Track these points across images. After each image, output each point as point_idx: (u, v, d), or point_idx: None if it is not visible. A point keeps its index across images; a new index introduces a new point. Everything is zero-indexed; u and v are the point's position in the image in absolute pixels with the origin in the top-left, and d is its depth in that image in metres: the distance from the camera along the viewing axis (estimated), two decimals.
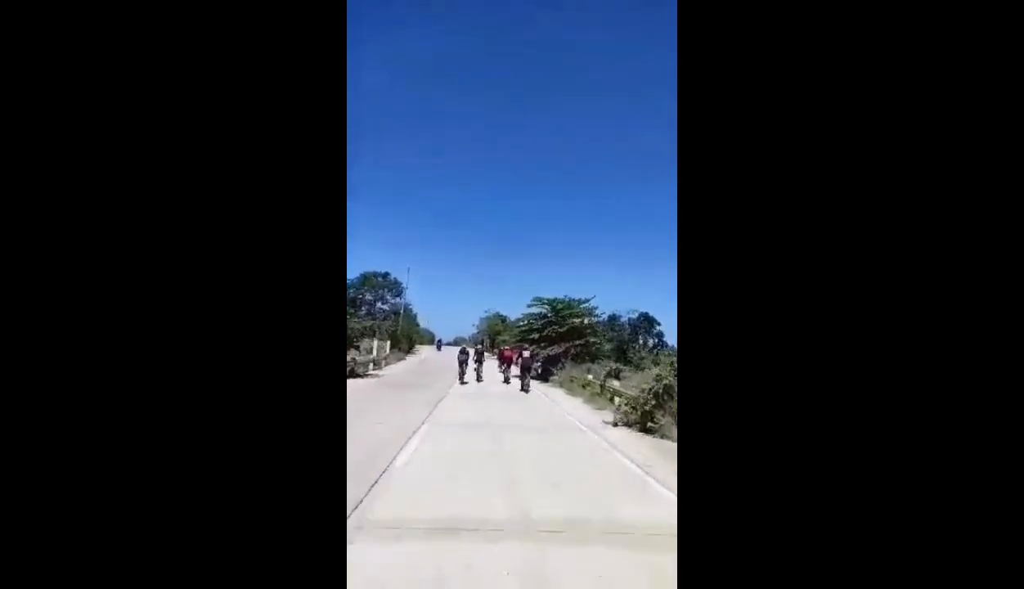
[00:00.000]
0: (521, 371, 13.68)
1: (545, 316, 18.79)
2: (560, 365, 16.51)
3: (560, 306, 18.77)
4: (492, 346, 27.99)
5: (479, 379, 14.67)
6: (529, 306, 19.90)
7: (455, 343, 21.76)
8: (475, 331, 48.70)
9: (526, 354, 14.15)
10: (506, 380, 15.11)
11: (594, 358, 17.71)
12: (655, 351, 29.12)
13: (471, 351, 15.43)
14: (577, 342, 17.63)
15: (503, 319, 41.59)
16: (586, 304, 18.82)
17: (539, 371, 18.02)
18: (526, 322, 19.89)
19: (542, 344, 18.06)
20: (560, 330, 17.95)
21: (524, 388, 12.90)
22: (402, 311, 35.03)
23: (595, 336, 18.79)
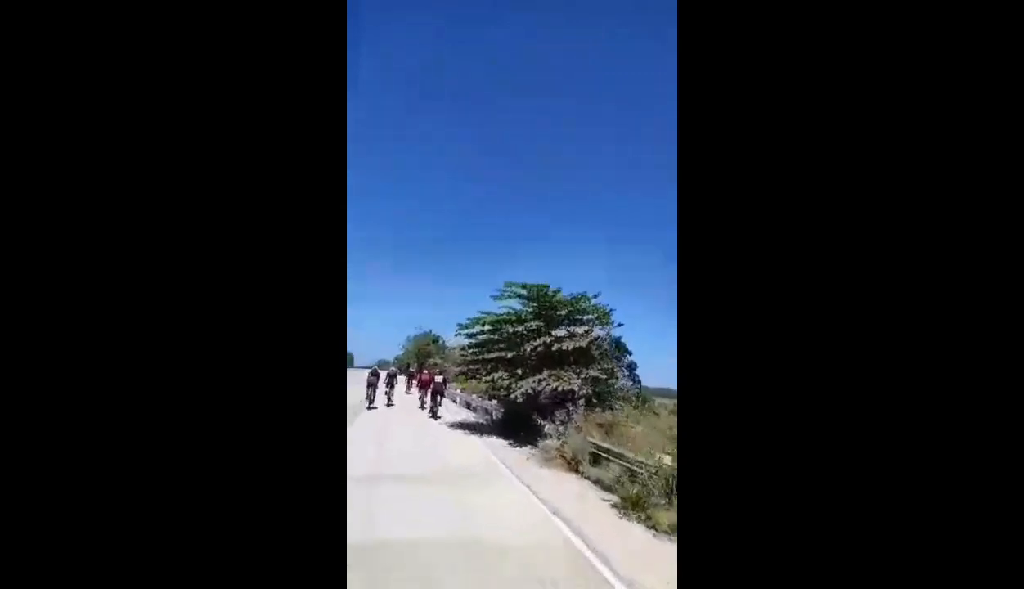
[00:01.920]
0: (432, 396, 13.14)
1: (521, 318, 9.99)
2: (561, 417, 8.05)
3: (557, 301, 9.68)
4: (420, 371, 19.83)
5: (389, 403, 14.27)
6: (500, 296, 10.15)
7: (378, 367, 15.92)
8: (401, 353, 39.60)
9: (439, 379, 13.37)
10: (422, 406, 14.40)
11: (604, 400, 9.48)
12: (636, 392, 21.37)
13: (382, 374, 14.86)
14: (586, 371, 9.03)
15: (435, 340, 33.92)
16: (595, 301, 10.27)
17: (493, 417, 11.54)
18: (484, 329, 10.24)
19: (518, 371, 9.38)
20: (559, 346, 8.94)
21: (433, 414, 12.42)
22: None
23: (607, 361, 10.36)
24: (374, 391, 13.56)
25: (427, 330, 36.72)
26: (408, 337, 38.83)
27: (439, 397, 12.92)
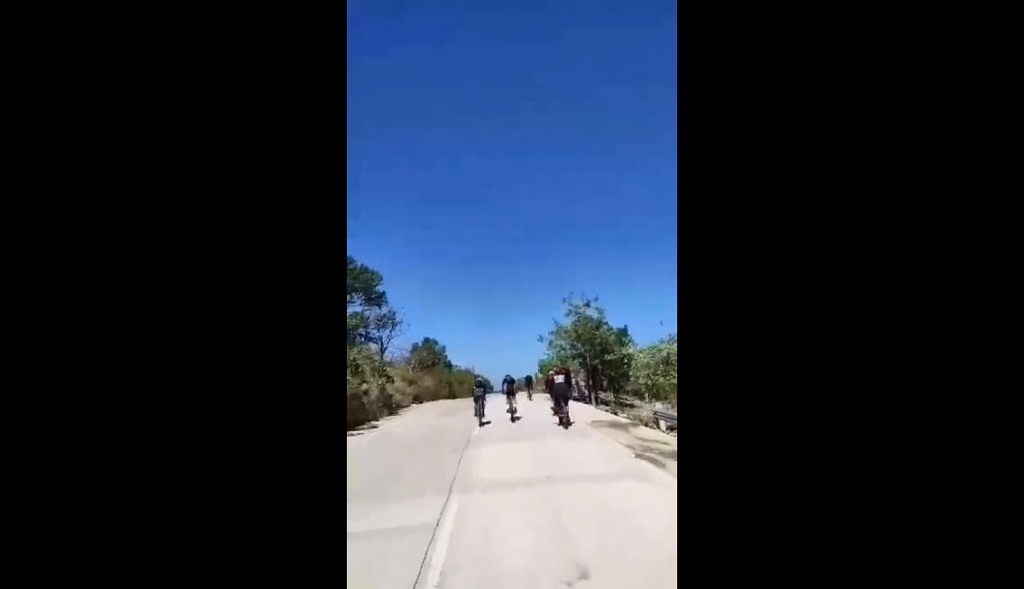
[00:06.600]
0: (555, 401, 10.80)
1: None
2: None
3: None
4: (593, 378, 15.32)
5: (513, 418, 12.18)
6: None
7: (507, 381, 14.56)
8: (546, 356, 24.60)
9: (559, 378, 10.74)
10: (555, 415, 10.92)
11: None
12: None
13: (496, 387, 14.14)
14: None
15: (600, 323, 18.90)
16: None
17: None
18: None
19: None
20: None
21: (562, 422, 10.22)
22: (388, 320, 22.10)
23: None
24: (483, 405, 11.96)
25: (587, 300, 19.28)
26: (556, 323, 20.38)
27: (563, 402, 10.49)
